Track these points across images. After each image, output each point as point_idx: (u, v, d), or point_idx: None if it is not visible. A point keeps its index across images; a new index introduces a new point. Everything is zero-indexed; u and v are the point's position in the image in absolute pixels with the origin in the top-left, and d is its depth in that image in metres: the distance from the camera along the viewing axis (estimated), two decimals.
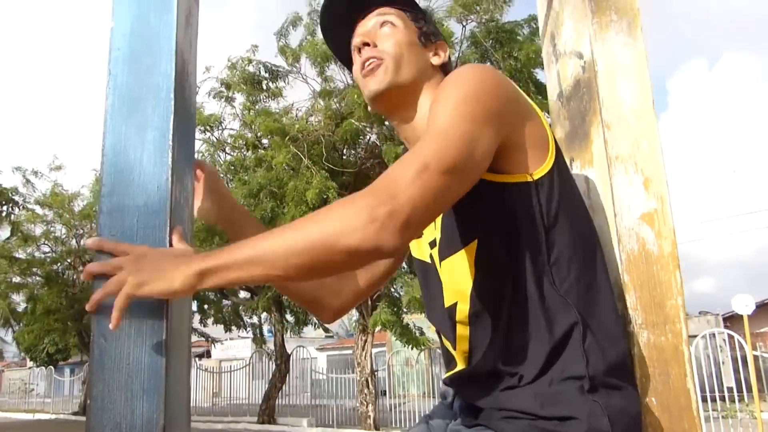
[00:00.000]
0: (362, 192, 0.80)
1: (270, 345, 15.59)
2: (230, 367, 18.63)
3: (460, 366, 1.01)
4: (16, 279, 19.21)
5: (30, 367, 29.58)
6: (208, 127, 13.11)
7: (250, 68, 12.59)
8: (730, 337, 11.29)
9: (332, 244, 0.77)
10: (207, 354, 28.03)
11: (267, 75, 12.67)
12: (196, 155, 1.01)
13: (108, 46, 0.91)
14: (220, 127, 13.30)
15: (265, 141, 12.31)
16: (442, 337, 1.04)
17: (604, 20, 1.01)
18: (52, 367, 25.24)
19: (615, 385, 0.86)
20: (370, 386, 11.65)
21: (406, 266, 8.93)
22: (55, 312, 18.48)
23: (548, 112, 1.27)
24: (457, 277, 0.96)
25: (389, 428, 11.93)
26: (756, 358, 9.75)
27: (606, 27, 1.01)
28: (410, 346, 10.72)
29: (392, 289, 11.12)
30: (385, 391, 15.74)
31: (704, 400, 9.54)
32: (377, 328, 11.01)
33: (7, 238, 17.18)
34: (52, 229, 18.94)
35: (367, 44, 1.04)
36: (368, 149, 10.83)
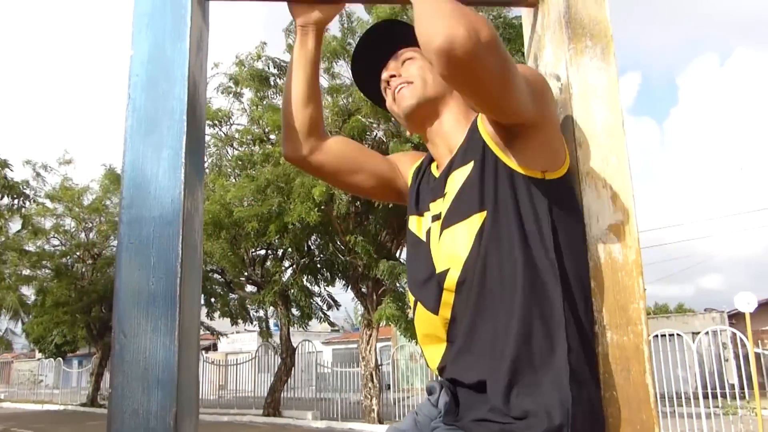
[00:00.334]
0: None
1: (276, 338, 15.76)
2: (236, 360, 18.84)
3: (438, 330, 1.09)
4: (26, 272, 19.46)
5: (39, 359, 29.95)
6: (216, 122, 13.23)
7: (259, 64, 12.72)
8: (734, 334, 11.34)
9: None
10: (214, 347, 28.29)
11: (275, 71, 12.80)
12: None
13: (127, 72, 1.01)
14: (228, 122, 13.44)
15: (272, 136, 12.43)
16: (421, 307, 1.12)
17: (580, 46, 1.10)
18: (60, 358, 25.56)
19: (586, 380, 0.96)
20: (375, 380, 11.79)
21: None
22: (64, 304, 18.73)
23: None
24: (457, 244, 1.05)
25: (393, 422, 12.05)
26: (759, 355, 9.80)
27: (581, 52, 1.10)
28: (415, 341, 10.84)
29: (397, 285, 11.23)
30: (389, 385, 15.88)
31: (705, 396, 9.61)
32: (382, 323, 11.13)
33: (18, 231, 17.41)
34: (61, 222, 19.16)
35: (393, 76, 1.23)
36: (375, 145, 10.91)
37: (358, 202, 10.98)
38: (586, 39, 1.10)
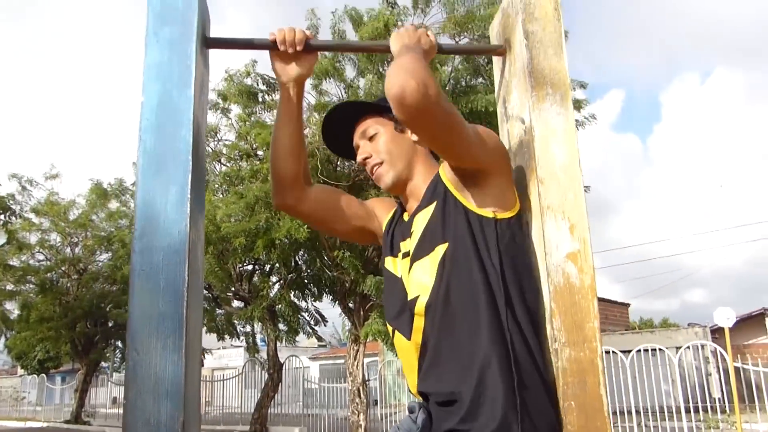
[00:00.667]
0: None
1: (263, 354, 15.73)
2: (223, 375, 18.74)
3: (412, 357, 1.26)
4: (10, 287, 19.28)
5: (21, 375, 29.54)
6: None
7: (248, 80, 12.84)
8: (715, 348, 11.53)
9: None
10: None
11: (264, 87, 12.93)
12: None
13: (139, 117, 1.13)
14: (215, 138, 13.52)
15: (260, 152, 12.53)
16: (398, 335, 1.30)
17: (541, 93, 1.24)
18: (44, 375, 25.23)
19: (534, 385, 1.12)
20: (362, 396, 11.82)
21: None
22: (48, 320, 18.55)
23: None
24: (424, 274, 1.25)
25: None
26: (738, 370, 9.99)
27: (542, 99, 1.24)
28: None
29: None
30: (376, 400, 15.90)
31: (687, 411, 9.77)
32: (369, 338, 11.19)
33: (1, 245, 17.29)
34: (47, 237, 19.04)
35: (367, 158, 1.42)
36: (361, 168, 11.03)
37: None
38: (547, 87, 1.24)
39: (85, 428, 17.82)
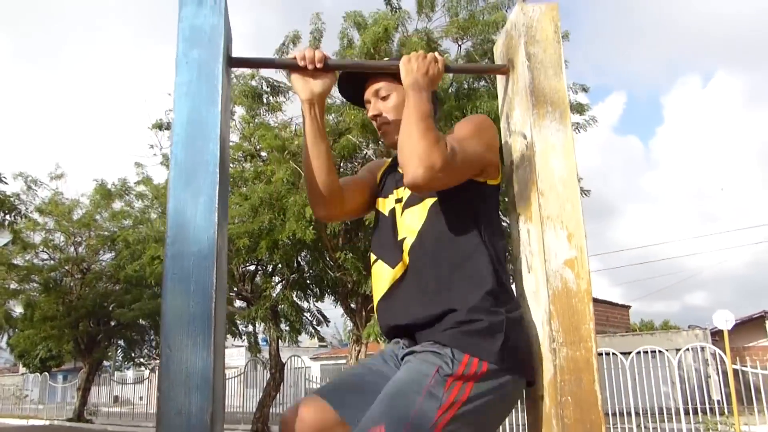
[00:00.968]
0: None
1: (265, 354, 15.82)
2: (225, 375, 18.81)
3: (386, 284, 1.45)
4: (14, 285, 19.39)
5: (23, 373, 29.66)
6: None
7: (252, 82, 12.94)
8: (715, 350, 11.61)
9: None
10: None
11: (268, 89, 13.03)
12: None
13: (171, 132, 1.22)
14: None
15: (263, 153, 12.62)
16: (381, 263, 1.48)
17: (542, 111, 1.33)
18: (46, 373, 25.36)
19: (512, 308, 1.33)
20: None
21: None
22: (51, 319, 18.66)
23: None
24: (414, 220, 1.44)
25: None
26: (737, 372, 10.05)
27: (543, 116, 1.33)
28: None
29: None
30: None
31: (687, 412, 9.84)
32: (371, 339, 11.27)
33: (5, 244, 17.39)
34: (51, 237, 19.15)
35: (377, 115, 1.58)
36: (365, 164, 11.11)
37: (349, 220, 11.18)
38: (547, 105, 1.34)
39: (87, 426, 17.93)
